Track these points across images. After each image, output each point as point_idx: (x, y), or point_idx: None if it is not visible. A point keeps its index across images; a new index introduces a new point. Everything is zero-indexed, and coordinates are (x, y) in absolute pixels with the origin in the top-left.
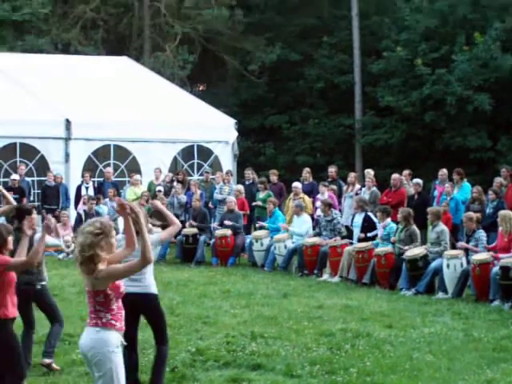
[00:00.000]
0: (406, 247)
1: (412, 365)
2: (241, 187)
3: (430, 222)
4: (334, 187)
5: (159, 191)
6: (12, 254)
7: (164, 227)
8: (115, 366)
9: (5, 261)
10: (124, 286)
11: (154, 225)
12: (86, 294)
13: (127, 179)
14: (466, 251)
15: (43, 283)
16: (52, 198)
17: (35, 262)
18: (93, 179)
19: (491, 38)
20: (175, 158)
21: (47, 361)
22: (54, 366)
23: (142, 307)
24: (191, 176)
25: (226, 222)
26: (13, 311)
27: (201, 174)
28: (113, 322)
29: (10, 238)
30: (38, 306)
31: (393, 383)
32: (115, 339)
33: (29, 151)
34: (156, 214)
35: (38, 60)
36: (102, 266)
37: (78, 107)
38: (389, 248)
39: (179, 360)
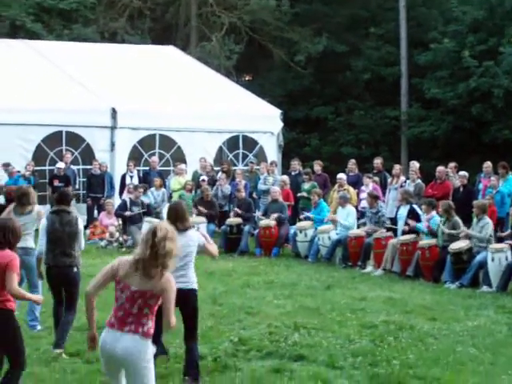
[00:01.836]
0: (448, 231)
1: (455, 358)
2: (286, 178)
3: (476, 215)
4: (377, 179)
5: (203, 181)
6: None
7: (210, 216)
8: (152, 374)
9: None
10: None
11: (200, 213)
12: (130, 293)
13: (172, 168)
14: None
15: (79, 266)
16: (97, 186)
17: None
18: (138, 168)
19: None
20: (220, 148)
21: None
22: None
23: (182, 302)
24: (236, 166)
25: (272, 216)
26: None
27: (245, 165)
28: (151, 330)
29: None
30: (69, 289)
31: (435, 376)
32: (152, 349)
33: (75, 139)
34: (202, 203)
35: (85, 49)
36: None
37: (123, 96)
38: (433, 241)
39: (222, 349)
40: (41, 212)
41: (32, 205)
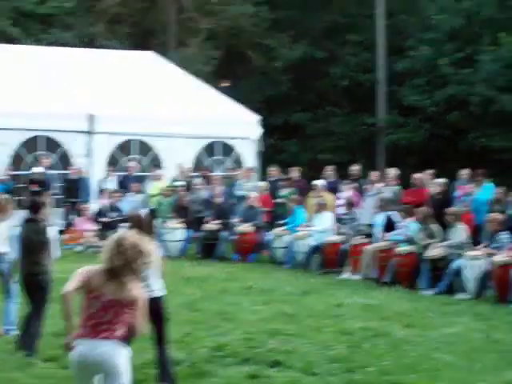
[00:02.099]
0: (426, 241)
1: (431, 365)
2: (264, 184)
3: (450, 222)
4: (355, 185)
5: (181, 186)
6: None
7: (187, 222)
8: (128, 376)
9: None
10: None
11: (176, 219)
12: (104, 302)
13: (150, 174)
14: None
15: (46, 274)
16: (74, 191)
17: None
18: (115, 174)
19: None
20: (198, 154)
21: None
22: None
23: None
24: (213, 172)
25: (247, 224)
26: None
27: (223, 171)
28: (125, 334)
29: None
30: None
31: (412, 383)
32: (128, 353)
33: (52, 144)
34: (178, 208)
35: (63, 54)
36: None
37: (101, 101)
38: (410, 247)
39: (198, 355)
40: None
41: (5, 212)
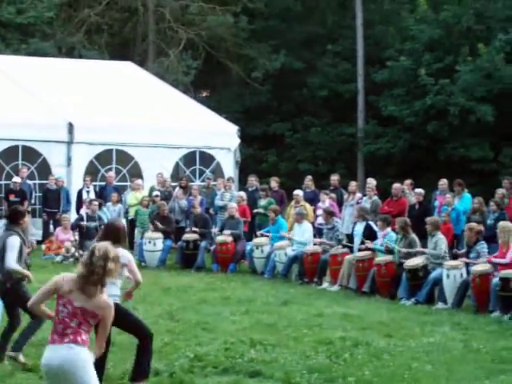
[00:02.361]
0: (404, 250)
1: (411, 374)
2: (243, 194)
3: (429, 232)
4: (334, 195)
5: (156, 196)
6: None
7: (166, 232)
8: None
9: None
10: None
11: (156, 228)
12: (72, 308)
13: (129, 184)
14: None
15: (12, 281)
16: (53, 201)
17: None
18: (94, 183)
19: (495, 49)
20: (177, 164)
21: (12, 354)
22: (21, 358)
23: None
24: (193, 182)
25: (226, 232)
26: None
27: (202, 180)
28: (88, 341)
29: None
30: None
31: None
32: (88, 355)
33: (31, 154)
34: (158, 218)
35: (42, 63)
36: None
37: (81, 111)
38: (389, 257)
39: (178, 365)
40: None
41: None
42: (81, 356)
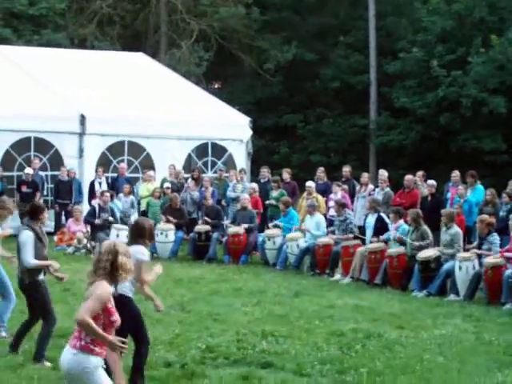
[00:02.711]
0: (417, 243)
1: (423, 366)
2: (255, 185)
3: (444, 223)
4: (346, 187)
5: (167, 188)
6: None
7: (177, 224)
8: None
9: None
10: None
11: (168, 221)
12: None
13: (141, 175)
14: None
15: (31, 279)
16: (65, 192)
17: None
18: (106, 175)
19: (508, 41)
20: (189, 155)
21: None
22: (46, 363)
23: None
24: (205, 173)
25: (242, 226)
26: None
27: (214, 172)
28: (91, 346)
29: None
30: (27, 300)
31: None
32: (93, 362)
33: (43, 145)
34: (170, 210)
35: (54, 55)
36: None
37: (93, 102)
38: (401, 249)
39: (189, 357)
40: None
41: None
42: (83, 362)
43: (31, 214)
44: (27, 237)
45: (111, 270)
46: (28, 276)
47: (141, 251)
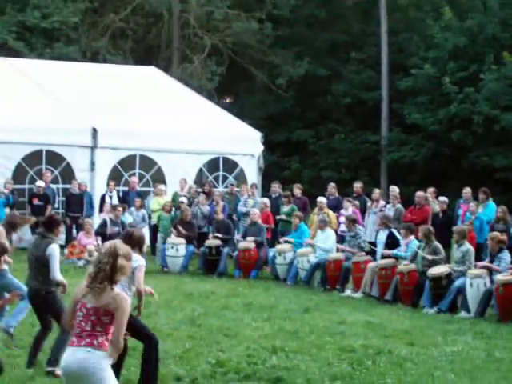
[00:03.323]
0: (430, 257)
1: (433, 383)
2: (267, 200)
3: (456, 240)
4: (357, 203)
5: (182, 202)
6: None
7: (189, 237)
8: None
9: None
10: None
11: (178, 234)
12: (85, 310)
13: (152, 189)
14: (490, 271)
15: (48, 290)
16: (76, 205)
17: None
18: (117, 188)
19: None
20: (200, 170)
21: (49, 368)
22: (57, 371)
23: None
24: (216, 188)
25: (249, 239)
26: None
27: (226, 186)
28: (106, 343)
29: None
30: (43, 312)
31: None
32: (107, 360)
33: (55, 158)
34: (181, 224)
35: (67, 68)
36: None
37: (104, 116)
38: (412, 265)
39: (200, 371)
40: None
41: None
42: (97, 360)
43: (47, 226)
44: (55, 250)
45: (111, 272)
46: (46, 287)
47: (136, 258)
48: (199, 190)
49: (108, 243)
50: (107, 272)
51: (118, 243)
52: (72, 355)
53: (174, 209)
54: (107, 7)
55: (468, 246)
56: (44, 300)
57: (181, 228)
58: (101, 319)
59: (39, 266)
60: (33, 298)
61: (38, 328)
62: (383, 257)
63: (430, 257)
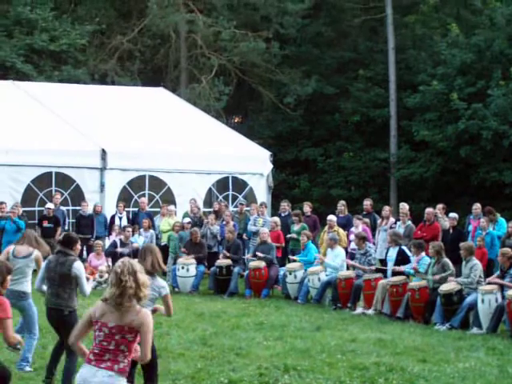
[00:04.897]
0: (437, 277)
1: None
2: (277, 219)
3: (464, 257)
4: (367, 220)
5: (188, 223)
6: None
7: (198, 258)
8: None
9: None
10: None
11: (188, 255)
12: (108, 330)
13: (161, 210)
14: (501, 286)
15: (71, 309)
16: (86, 227)
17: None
18: (127, 209)
19: None
20: (210, 189)
21: None
22: None
23: None
24: (225, 207)
25: (258, 254)
26: None
27: (235, 206)
28: (127, 368)
29: (9, 278)
30: (63, 331)
31: None
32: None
33: (64, 180)
34: (191, 245)
35: (75, 90)
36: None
37: (113, 137)
38: (423, 282)
39: None
40: (39, 258)
41: (31, 248)
42: None
43: (66, 244)
44: (82, 268)
45: (136, 289)
46: (71, 304)
47: (163, 285)
48: (205, 209)
49: (119, 263)
50: (134, 289)
51: (130, 261)
52: (93, 376)
53: (181, 229)
54: (114, 29)
55: (475, 261)
56: (66, 318)
57: (189, 251)
58: (126, 338)
59: (64, 283)
60: (53, 316)
61: (49, 350)
62: (394, 273)
63: (437, 277)
